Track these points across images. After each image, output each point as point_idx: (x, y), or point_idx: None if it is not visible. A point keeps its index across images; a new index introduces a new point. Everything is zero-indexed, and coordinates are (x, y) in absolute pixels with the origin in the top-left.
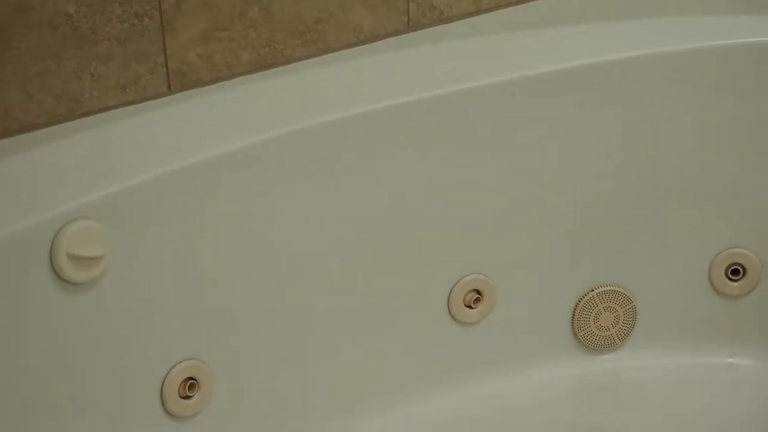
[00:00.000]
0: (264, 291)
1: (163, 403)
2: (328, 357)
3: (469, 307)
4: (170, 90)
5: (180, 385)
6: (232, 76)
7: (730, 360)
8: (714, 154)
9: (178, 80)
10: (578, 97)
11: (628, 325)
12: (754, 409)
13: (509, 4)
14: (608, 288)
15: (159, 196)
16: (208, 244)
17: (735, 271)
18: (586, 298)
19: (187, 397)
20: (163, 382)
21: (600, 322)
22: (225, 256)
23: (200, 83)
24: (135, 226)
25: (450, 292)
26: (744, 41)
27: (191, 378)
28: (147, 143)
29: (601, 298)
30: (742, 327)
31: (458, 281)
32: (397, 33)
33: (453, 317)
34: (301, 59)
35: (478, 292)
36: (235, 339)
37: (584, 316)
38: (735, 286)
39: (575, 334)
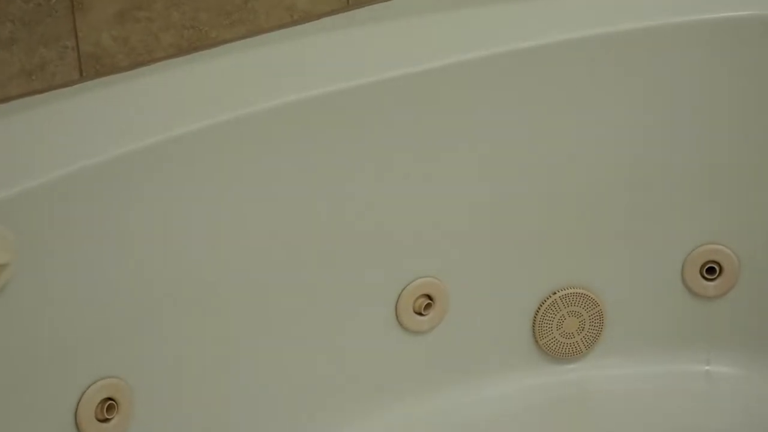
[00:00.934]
0: (188, 301)
1: (77, 427)
2: (260, 374)
3: (419, 313)
4: (82, 77)
5: (97, 406)
6: (152, 61)
7: (707, 368)
8: (685, 140)
9: (91, 66)
10: (533, 81)
11: (594, 332)
12: (734, 420)
13: None
14: (572, 290)
15: (70, 197)
16: (126, 249)
17: (711, 270)
18: (547, 302)
19: (105, 420)
20: (78, 403)
21: (563, 328)
22: (145, 262)
23: (116, 69)
24: (44, 231)
25: (398, 298)
26: (736, 15)
27: (109, 398)
28: (56, 137)
29: (564, 301)
30: (720, 331)
31: (407, 285)
32: (334, 12)
33: (401, 325)
34: (228, 41)
35: (428, 297)
36: (158, 354)
37: (546, 322)
38: (711, 286)
39: (536, 342)
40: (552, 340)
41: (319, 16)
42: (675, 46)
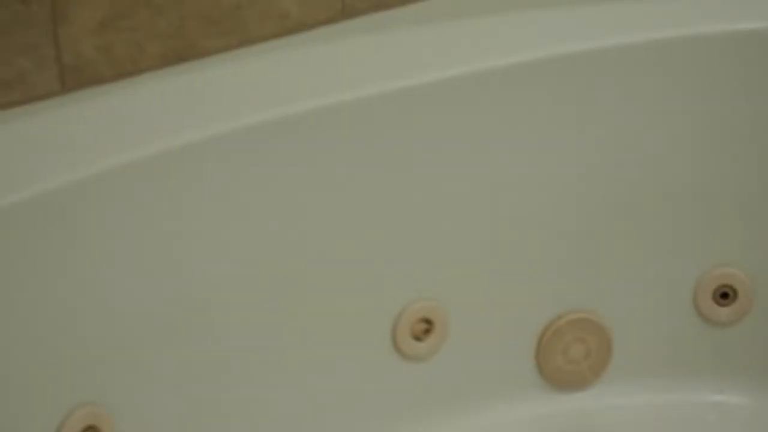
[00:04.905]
0: (178, 323)
1: None
2: (249, 402)
3: (418, 339)
4: (64, 88)
5: None
6: (137, 71)
7: (720, 397)
8: (698, 155)
9: (74, 77)
10: (538, 94)
11: (601, 359)
12: None
13: None
14: (578, 315)
15: (44, 214)
16: (102, 270)
17: (724, 294)
18: (552, 327)
19: None
20: None
21: (569, 355)
22: (120, 284)
23: (99, 80)
24: (12, 251)
25: (395, 322)
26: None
27: (90, 427)
28: (36, 151)
29: (570, 327)
30: (734, 359)
31: (404, 309)
32: (329, 21)
33: (399, 351)
34: (217, 52)
35: (427, 321)
36: (141, 379)
37: (551, 348)
38: (724, 312)
39: (540, 370)
40: (557, 368)
41: (313, 26)
42: (676, 62)
